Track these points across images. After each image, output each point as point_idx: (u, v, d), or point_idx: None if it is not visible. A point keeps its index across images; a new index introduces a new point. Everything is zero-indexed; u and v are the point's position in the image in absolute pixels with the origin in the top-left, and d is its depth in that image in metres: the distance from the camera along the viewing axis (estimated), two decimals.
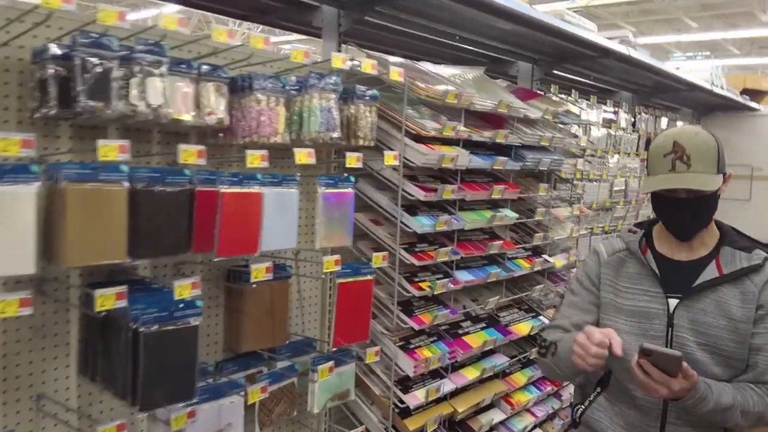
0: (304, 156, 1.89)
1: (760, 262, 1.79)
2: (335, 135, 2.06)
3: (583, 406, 2.00)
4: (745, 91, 5.08)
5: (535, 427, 3.04)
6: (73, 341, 1.80)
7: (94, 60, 1.38)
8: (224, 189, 1.77)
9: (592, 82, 4.23)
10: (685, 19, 12.19)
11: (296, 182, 2.00)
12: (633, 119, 4.34)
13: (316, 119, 2.01)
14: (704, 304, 1.79)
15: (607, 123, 4.06)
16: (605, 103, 4.04)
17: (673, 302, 1.81)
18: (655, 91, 4.43)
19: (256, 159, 1.77)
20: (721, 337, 1.77)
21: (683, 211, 1.77)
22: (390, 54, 3.22)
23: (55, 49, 1.41)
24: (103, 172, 1.51)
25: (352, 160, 2.07)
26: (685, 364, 1.62)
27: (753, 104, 4.98)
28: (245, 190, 1.83)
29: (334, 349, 2.26)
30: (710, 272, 1.80)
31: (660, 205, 1.85)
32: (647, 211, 4.52)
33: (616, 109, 4.18)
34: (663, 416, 1.82)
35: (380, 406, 2.48)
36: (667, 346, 1.80)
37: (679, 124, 5.10)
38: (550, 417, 3.16)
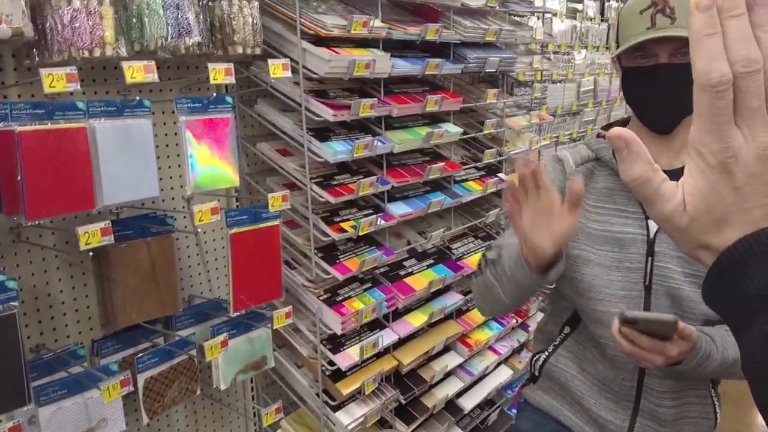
0: (138, 71, 1.38)
1: None
2: (192, 41, 1.55)
3: (545, 354, 1.63)
4: None
5: (499, 364, 2.69)
6: None
7: None
8: (21, 127, 1.28)
9: None
10: None
11: (146, 110, 1.51)
12: (602, 6, 3.78)
13: (160, 20, 1.49)
14: None
15: (572, 12, 3.51)
16: None
17: (654, 225, 1.41)
18: None
19: (58, 81, 1.26)
20: None
21: (662, 85, 1.36)
22: None
23: None
24: None
25: (220, 73, 1.56)
26: (681, 323, 1.23)
27: None
28: (58, 126, 1.33)
29: (239, 312, 1.84)
30: None
31: (632, 84, 1.45)
32: (621, 113, 4.03)
33: None
34: (641, 368, 1.45)
35: (310, 368, 2.10)
36: (645, 280, 1.41)
37: None
38: (516, 351, 2.81)
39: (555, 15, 3.22)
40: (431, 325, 2.37)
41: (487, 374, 2.63)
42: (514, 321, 2.75)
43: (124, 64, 1.36)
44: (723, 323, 1.28)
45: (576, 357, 1.54)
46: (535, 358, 1.65)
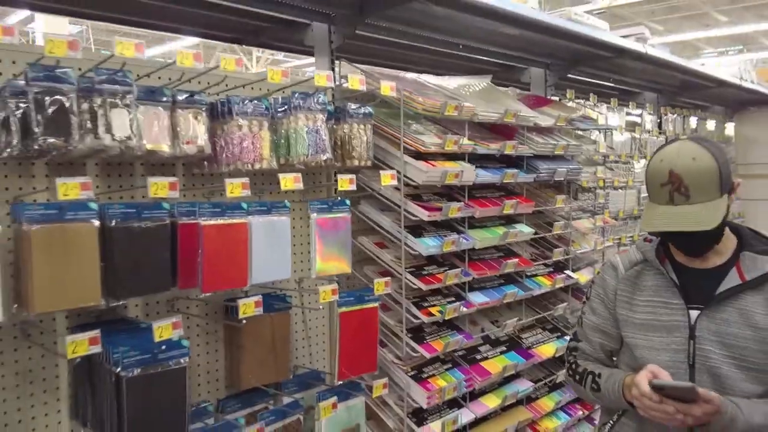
0: (290, 181, 1.79)
1: None
2: (325, 157, 1.96)
3: (610, 423, 1.86)
4: None
5: None
6: (63, 386, 1.73)
7: (48, 94, 1.31)
8: (204, 221, 1.68)
9: (613, 85, 4.04)
10: (714, 14, 11.80)
11: (287, 209, 1.90)
12: (659, 120, 4.13)
13: (304, 141, 1.91)
14: (727, 314, 1.64)
15: (631, 126, 3.86)
16: (627, 106, 3.85)
17: (694, 313, 1.66)
18: (681, 89, 4.21)
19: (236, 188, 1.67)
20: (748, 348, 1.62)
21: (689, 240, 1.64)
22: (392, 68, 3.13)
23: (13, 86, 1.34)
24: (69, 210, 1.44)
25: (345, 182, 1.96)
26: (701, 389, 1.49)
27: None
28: (228, 221, 1.73)
29: (341, 382, 2.13)
30: (732, 279, 1.65)
31: (665, 233, 1.72)
32: None
33: (640, 111, 3.97)
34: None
35: None
36: (689, 360, 1.66)
37: (710, 123, 4.85)
38: None
39: (615, 129, 3.57)
40: (503, 409, 2.59)
41: None
42: (581, 413, 2.93)
43: (280, 176, 1.76)
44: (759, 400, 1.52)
45: (636, 424, 1.76)
46: (600, 428, 1.87)
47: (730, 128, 5.09)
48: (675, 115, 4.29)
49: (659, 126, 4.15)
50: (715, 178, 1.56)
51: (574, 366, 1.85)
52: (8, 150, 1.40)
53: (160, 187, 1.50)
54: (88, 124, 1.45)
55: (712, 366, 1.62)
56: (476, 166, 2.43)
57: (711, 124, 4.81)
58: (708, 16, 12.12)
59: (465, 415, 2.37)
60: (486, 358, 2.51)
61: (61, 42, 1.24)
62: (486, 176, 2.46)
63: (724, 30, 12.45)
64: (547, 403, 2.73)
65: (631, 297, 1.77)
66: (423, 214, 2.24)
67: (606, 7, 9.34)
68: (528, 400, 2.71)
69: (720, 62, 4.25)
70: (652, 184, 1.62)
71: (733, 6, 11.64)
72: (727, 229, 1.71)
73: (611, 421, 1.86)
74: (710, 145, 1.65)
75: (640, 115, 3.94)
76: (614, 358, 1.87)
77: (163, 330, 1.57)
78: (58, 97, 1.33)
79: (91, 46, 10.25)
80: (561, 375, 2.77)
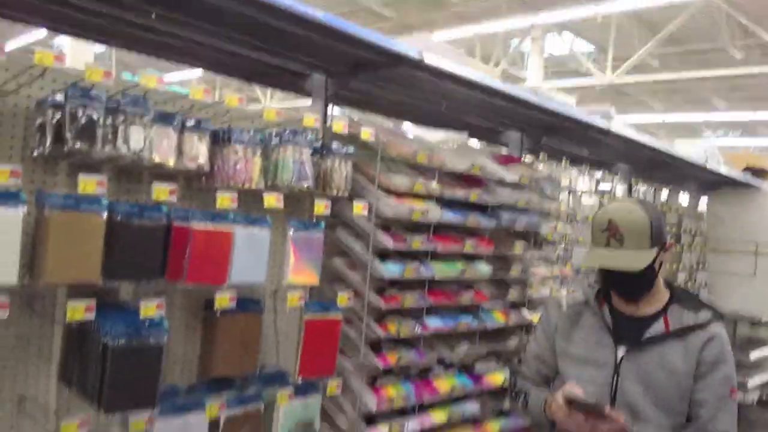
0: (273, 200, 2.14)
1: (704, 321, 1.91)
2: (307, 184, 2.31)
3: None
4: (747, 169, 5.18)
5: None
6: (55, 352, 2.02)
7: (82, 109, 1.68)
8: (196, 226, 2.02)
9: (588, 157, 4.41)
10: (714, 99, 12.31)
11: (268, 224, 2.24)
12: (629, 189, 4.48)
13: (289, 169, 2.27)
14: (649, 357, 1.91)
15: (601, 194, 4.22)
16: (599, 172, 4.21)
17: (621, 353, 1.94)
18: (651, 166, 4.57)
19: (226, 200, 2.03)
20: (663, 388, 1.88)
21: (622, 281, 1.93)
22: (384, 115, 3.52)
23: (52, 99, 1.72)
24: (84, 203, 1.79)
25: (321, 207, 2.31)
26: (608, 408, 1.76)
27: (755, 181, 5.06)
28: (216, 227, 2.07)
29: (301, 380, 2.42)
30: (658, 327, 1.93)
31: (602, 275, 2.01)
32: None
33: (611, 179, 4.34)
34: None
35: None
36: (612, 394, 1.93)
37: (683, 197, 5.19)
38: None
39: (584, 192, 3.93)
40: (451, 427, 2.84)
41: None
42: None
43: (264, 195, 2.12)
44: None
45: None
46: None
47: (702, 204, 5.43)
48: (646, 187, 4.65)
49: (629, 193, 4.49)
50: (646, 230, 1.87)
51: (512, 385, 2.13)
52: (40, 148, 1.78)
53: (162, 191, 1.85)
54: (110, 137, 1.82)
55: (630, 401, 1.90)
56: (444, 208, 2.77)
57: (684, 198, 5.16)
58: (708, 101, 12.62)
59: (412, 424, 2.64)
60: (437, 377, 2.79)
61: (98, 71, 1.62)
62: (451, 217, 2.81)
63: (722, 115, 12.93)
64: (493, 427, 2.98)
65: (569, 332, 2.06)
66: (389, 242, 2.57)
67: (608, 84, 9.83)
68: (474, 422, 2.97)
69: (691, 143, 4.62)
70: (594, 229, 1.93)
71: (732, 94, 12.15)
72: (662, 285, 2.00)
73: None
74: (647, 206, 1.98)
75: (612, 182, 4.30)
76: (550, 384, 2.14)
77: (149, 308, 1.90)
78: (89, 112, 1.70)
79: (112, 62, 10.89)
80: (507, 403, 3.02)
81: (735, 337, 5.97)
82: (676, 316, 1.93)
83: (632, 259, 1.85)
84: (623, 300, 1.98)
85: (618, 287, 1.98)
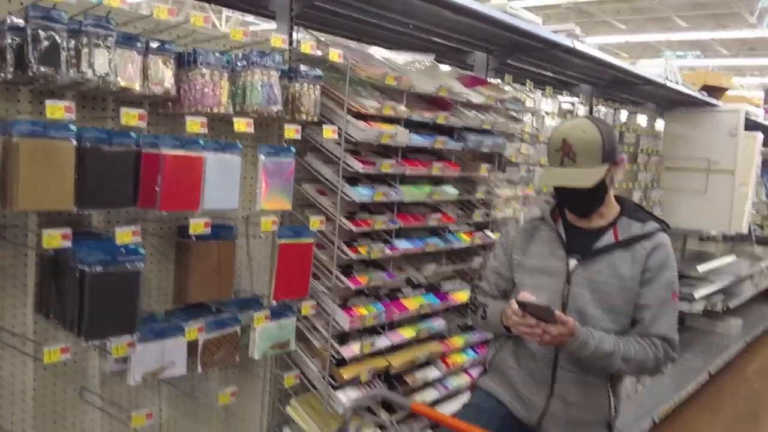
0: (243, 125, 2.12)
1: (651, 231, 2.05)
2: (276, 108, 2.29)
3: (493, 351, 2.28)
4: (705, 88, 5.29)
5: (471, 387, 3.27)
6: (29, 282, 2.03)
7: (43, 32, 1.61)
8: (166, 151, 2.00)
9: (552, 75, 4.44)
10: (675, 18, 12.36)
11: (239, 149, 2.23)
12: (590, 110, 4.56)
13: (258, 93, 2.24)
14: (599, 266, 2.05)
15: (563, 114, 4.27)
16: (561, 94, 4.26)
17: (573, 263, 2.07)
18: (613, 84, 4.63)
19: (195, 125, 2.00)
20: (612, 293, 2.03)
21: (575, 198, 2.04)
22: (348, 38, 3.45)
23: (11, 21, 1.64)
24: (53, 129, 1.74)
25: (291, 131, 2.30)
26: (558, 312, 1.89)
27: (711, 100, 5.19)
28: (186, 153, 2.06)
29: (275, 303, 2.49)
30: (607, 238, 2.07)
31: (557, 192, 2.12)
32: None
33: (573, 100, 4.39)
34: (554, 363, 2.08)
35: (320, 358, 2.72)
36: (564, 301, 2.06)
37: (641, 118, 5.32)
38: None
39: (547, 114, 3.98)
40: (419, 342, 2.99)
41: (460, 393, 3.22)
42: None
43: (234, 120, 2.09)
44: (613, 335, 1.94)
45: (514, 354, 2.18)
46: (488, 356, 2.29)
47: (660, 125, 5.57)
48: (607, 108, 4.73)
49: (590, 113, 4.57)
50: (598, 148, 1.97)
51: (473, 299, 2.25)
52: (1, 75, 1.70)
53: (131, 116, 1.81)
54: (74, 60, 1.76)
55: (580, 306, 2.04)
56: (410, 131, 2.79)
57: (642, 119, 5.28)
58: (670, 20, 12.67)
59: (382, 341, 2.77)
60: (406, 297, 2.90)
61: None
62: (419, 141, 2.83)
63: (684, 35, 13.04)
64: (458, 341, 3.15)
65: (526, 246, 2.19)
66: (358, 166, 2.60)
67: (574, 3, 9.73)
68: (441, 337, 3.12)
69: (652, 63, 4.68)
70: (549, 149, 2.03)
71: (693, 13, 12.21)
72: (613, 199, 2.12)
73: (495, 348, 2.28)
74: (600, 123, 2.06)
75: (573, 104, 4.36)
76: (508, 298, 2.27)
77: (124, 236, 1.90)
78: (51, 33, 1.63)
79: None
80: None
81: (684, 251, 6.32)
82: (625, 228, 2.07)
83: (584, 176, 1.96)
84: (576, 214, 2.10)
85: (571, 204, 2.09)
